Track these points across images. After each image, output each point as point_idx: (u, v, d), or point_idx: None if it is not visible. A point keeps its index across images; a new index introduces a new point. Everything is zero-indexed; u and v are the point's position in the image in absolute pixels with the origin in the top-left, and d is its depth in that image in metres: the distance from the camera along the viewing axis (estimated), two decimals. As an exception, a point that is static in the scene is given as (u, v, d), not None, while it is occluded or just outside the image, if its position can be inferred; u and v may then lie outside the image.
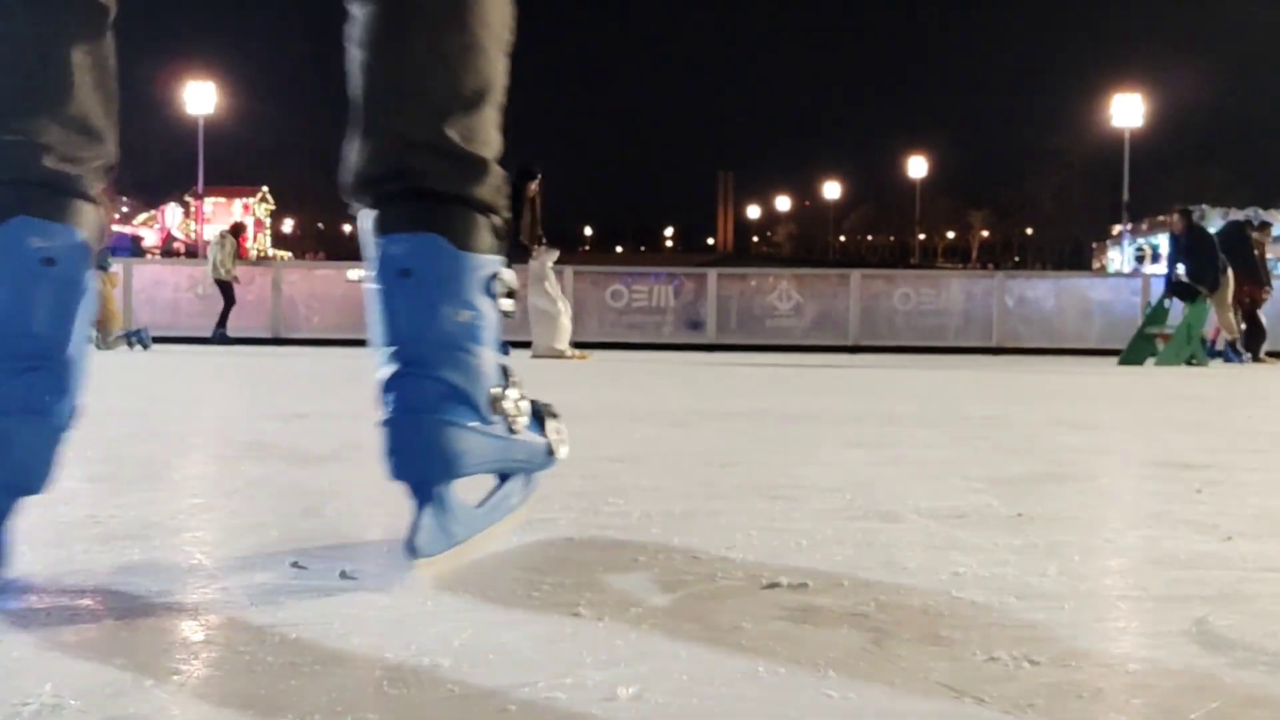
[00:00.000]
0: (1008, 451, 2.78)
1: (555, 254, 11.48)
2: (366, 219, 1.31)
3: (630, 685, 0.85)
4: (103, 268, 14.25)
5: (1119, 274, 30.34)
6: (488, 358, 1.28)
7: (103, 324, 13.83)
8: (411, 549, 1.20)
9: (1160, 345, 11.80)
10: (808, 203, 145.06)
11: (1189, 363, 11.40)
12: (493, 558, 1.35)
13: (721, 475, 2.19)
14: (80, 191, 1.23)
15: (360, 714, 0.79)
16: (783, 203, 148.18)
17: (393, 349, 1.26)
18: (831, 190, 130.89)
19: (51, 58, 1.22)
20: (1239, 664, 0.94)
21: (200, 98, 37.62)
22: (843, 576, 1.26)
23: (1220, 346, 13.25)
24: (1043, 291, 18.13)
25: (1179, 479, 2.26)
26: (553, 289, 11.13)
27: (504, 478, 1.42)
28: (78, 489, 1.99)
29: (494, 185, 1.31)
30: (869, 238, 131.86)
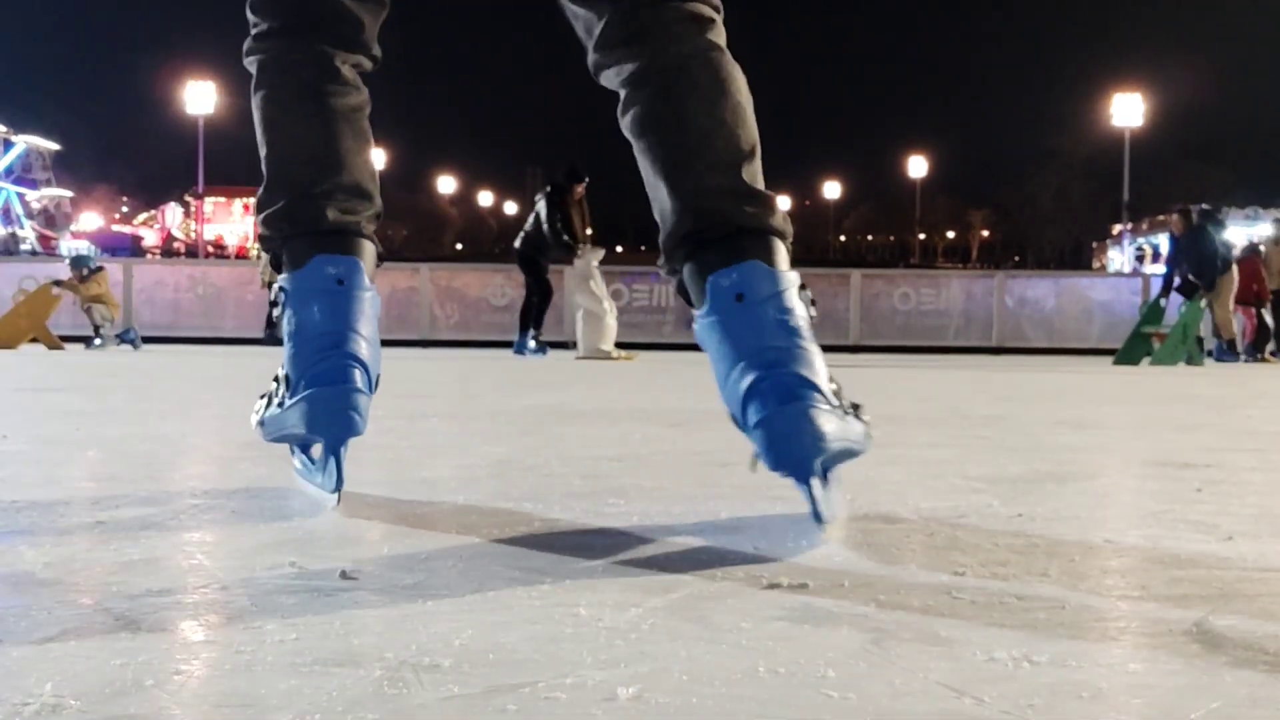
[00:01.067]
0: (1008, 451, 2.78)
1: (600, 253, 11.34)
2: (686, 276, 1.57)
3: (630, 685, 0.85)
4: (86, 265, 14.19)
5: (1119, 273, 30.33)
6: (817, 351, 1.48)
7: (95, 299, 13.82)
8: (818, 518, 1.42)
9: (1156, 345, 11.79)
10: (807, 202, 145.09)
11: (1188, 363, 11.40)
12: (492, 558, 1.35)
13: (721, 475, 2.19)
14: (357, 232, 1.70)
15: (360, 714, 0.79)
16: (783, 202, 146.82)
17: (743, 363, 1.45)
18: (831, 190, 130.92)
19: (331, 143, 1.71)
20: (1239, 664, 0.94)
21: (200, 98, 37.65)
22: (843, 576, 1.26)
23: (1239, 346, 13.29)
24: (1043, 291, 18.15)
25: (1179, 478, 2.26)
26: (598, 288, 10.96)
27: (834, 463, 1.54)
28: (78, 489, 1.99)
29: (782, 214, 1.58)
30: (869, 237, 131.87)
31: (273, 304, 1.70)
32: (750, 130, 1.61)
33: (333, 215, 1.68)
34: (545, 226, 11.41)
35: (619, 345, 11.15)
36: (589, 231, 11.49)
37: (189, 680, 0.87)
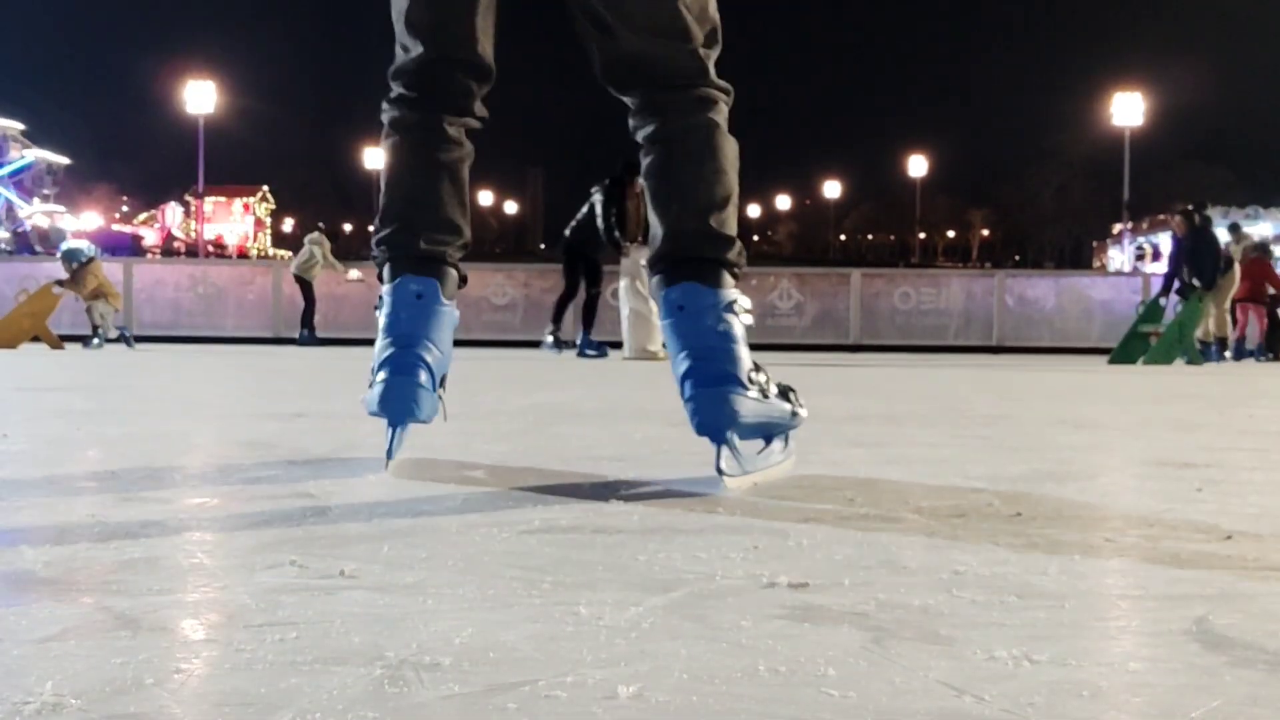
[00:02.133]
0: (1008, 450, 2.78)
1: (646, 251, 11.04)
2: (653, 287, 2.11)
3: (630, 684, 0.85)
4: (77, 260, 14.09)
5: (1119, 273, 30.31)
6: (742, 350, 1.98)
7: (95, 297, 13.76)
8: (719, 471, 1.89)
9: (1153, 344, 11.78)
10: (808, 201, 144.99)
11: (1187, 362, 11.40)
12: (493, 557, 1.35)
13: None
14: (441, 260, 2.12)
15: (360, 713, 0.79)
16: (783, 201, 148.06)
17: (683, 354, 1.98)
18: (832, 189, 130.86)
19: (431, 190, 2.14)
20: (1240, 663, 0.94)
21: (200, 97, 37.64)
22: (843, 575, 1.26)
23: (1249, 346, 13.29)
24: (1043, 290, 18.15)
25: (1179, 478, 2.26)
26: (643, 287, 10.43)
27: (769, 440, 2.10)
28: (79, 488, 1.99)
29: (738, 250, 2.06)
30: (869, 237, 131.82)
31: (376, 307, 2.15)
32: (726, 187, 2.08)
33: (423, 245, 2.12)
34: (600, 220, 10.99)
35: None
36: (640, 230, 11.00)
37: (189, 679, 0.87)
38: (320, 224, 18.02)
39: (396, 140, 2.19)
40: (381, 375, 2.05)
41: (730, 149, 2.10)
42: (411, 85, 2.16)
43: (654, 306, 10.40)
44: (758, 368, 2.01)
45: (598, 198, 11.17)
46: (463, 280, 2.18)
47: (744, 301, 2.03)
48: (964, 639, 1.00)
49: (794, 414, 2.11)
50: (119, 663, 0.90)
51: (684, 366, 1.98)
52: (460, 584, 1.20)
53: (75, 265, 14.06)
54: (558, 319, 11.91)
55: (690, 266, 2.02)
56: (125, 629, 1.01)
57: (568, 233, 11.69)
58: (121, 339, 13.87)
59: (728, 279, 2.02)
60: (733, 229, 2.07)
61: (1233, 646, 0.99)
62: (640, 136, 2.14)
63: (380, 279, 2.16)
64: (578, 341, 11.81)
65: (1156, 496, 2.05)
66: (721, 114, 2.11)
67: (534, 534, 1.51)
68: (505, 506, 1.75)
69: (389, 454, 2.09)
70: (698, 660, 0.92)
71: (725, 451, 1.91)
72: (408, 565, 1.30)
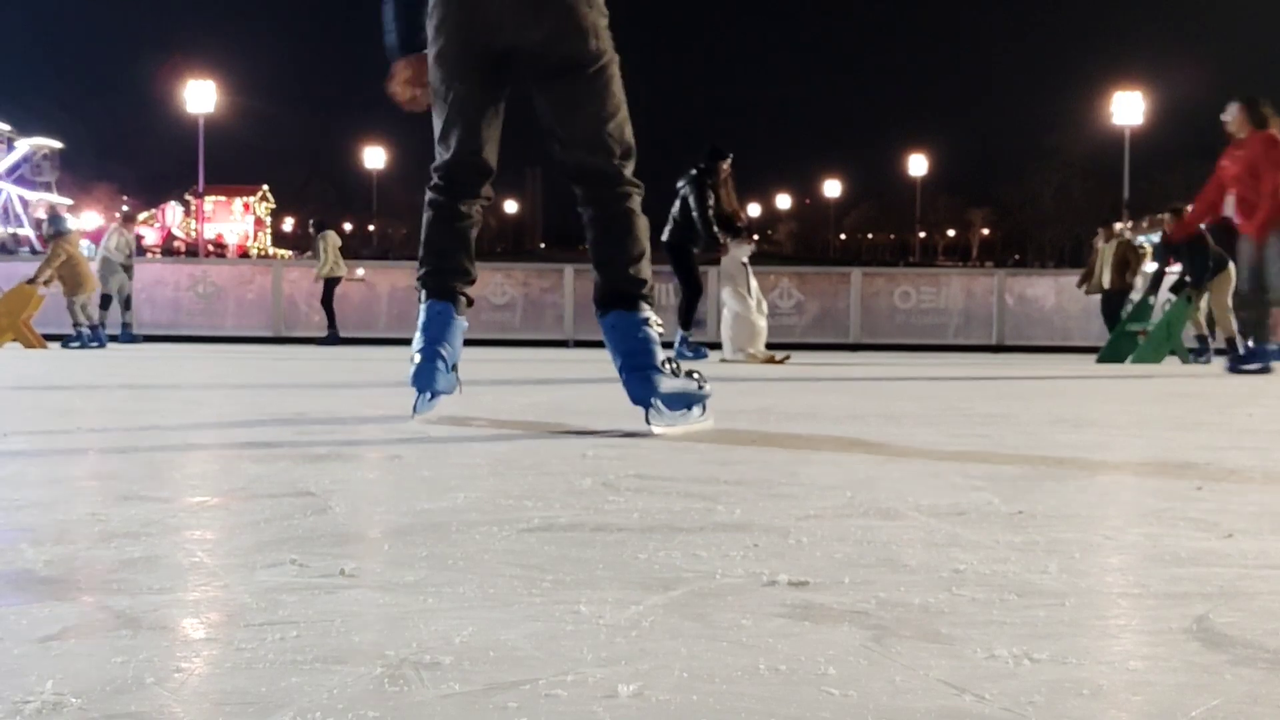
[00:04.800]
0: (1008, 449, 2.78)
1: (748, 248, 10.14)
2: (597, 316, 3.13)
3: (631, 683, 0.85)
4: (61, 232, 13.87)
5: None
6: (656, 349, 3.01)
7: (74, 288, 13.45)
8: (647, 424, 2.92)
9: (1141, 342, 11.76)
10: (808, 201, 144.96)
11: (1183, 362, 11.39)
12: (493, 555, 1.35)
13: (722, 473, 2.19)
14: (455, 292, 3.22)
15: (360, 711, 0.79)
16: (783, 201, 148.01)
17: (618, 355, 3.04)
18: (832, 188, 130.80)
19: (453, 247, 3.24)
20: (1240, 661, 0.94)
21: (200, 97, 37.63)
22: (843, 574, 1.26)
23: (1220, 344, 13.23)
24: (1043, 289, 18.14)
25: (1179, 476, 2.26)
26: (745, 286, 9.84)
27: (690, 406, 3.03)
28: (79, 487, 1.99)
29: (649, 287, 3.11)
30: (869, 236, 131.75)
31: (416, 316, 3.26)
32: (640, 250, 3.11)
33: (445, 281, 3.23)
34: (695, 214, 10.18)
35: (770, 346, 10.04)
36: (738, 220, 10.31)
37: (190, 678, 0.87)
38: (313, 220, 17.92)
39: (431, 214, 3.27)
40: (416, 359, 3.17)
41: (642, 225, 3.15)
42: (442, 178, 3.25)
43: (754, 305, 9.84)
44: (670, 360, 3.04)
45: (687, 190, 10.33)
46: (470, 302, 3.29)
47: (655, 318, 3.09)
48: (964, 637, 1.00)
49: (700, 388, 3.05)
50: (119, 662, 0.90)
51: (619, 362, 3.04)
52: (460, 583, 1.20)
53: (52, 231, 13.76)
54: (686, 323, 10.75)
55: (618, 299, 3.07)
56: (126, 628, 1.01)
57: (665, 235, 10.66)
58: (95, 341, 13.42)
59: (644, 305, 3.07)
60: (646, 275, 3.11)
61: (1233, 645, 0.99)
62: (584, 216, 3.17)
63: (419, 300, 3.27)
64: (674, 342, 10.61)
65: (1157, 495, 2.05)
66: (635, 202, 3.13)
67: (534, 532, 1.51)
68: (505, 505, 1.75)
69: (415, 410, 3.20)
70: (698, 659, 0.92)
71: (652, 413, 2.95)
72: (408, 564, 1.30)
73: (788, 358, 10.00)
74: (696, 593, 1.17)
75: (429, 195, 3.26)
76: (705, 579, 1.23)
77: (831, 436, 3.10)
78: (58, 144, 77.08)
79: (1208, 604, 1.14)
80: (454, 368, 3.21)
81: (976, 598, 1.15)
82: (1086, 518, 1.75)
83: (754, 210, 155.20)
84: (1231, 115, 8.58)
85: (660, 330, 3.06)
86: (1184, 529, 1.61)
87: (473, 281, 3.27)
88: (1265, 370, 8.19)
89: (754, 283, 9.99)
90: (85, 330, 13.50)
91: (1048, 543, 1.47)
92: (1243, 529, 1.60)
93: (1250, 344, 8.36)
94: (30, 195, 70.30)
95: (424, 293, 3.22)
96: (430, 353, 3.13)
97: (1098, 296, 14.09)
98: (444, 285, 3.19)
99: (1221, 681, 0.88)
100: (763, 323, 9.96)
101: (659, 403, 2.93)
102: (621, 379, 3.00)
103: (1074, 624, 1.07)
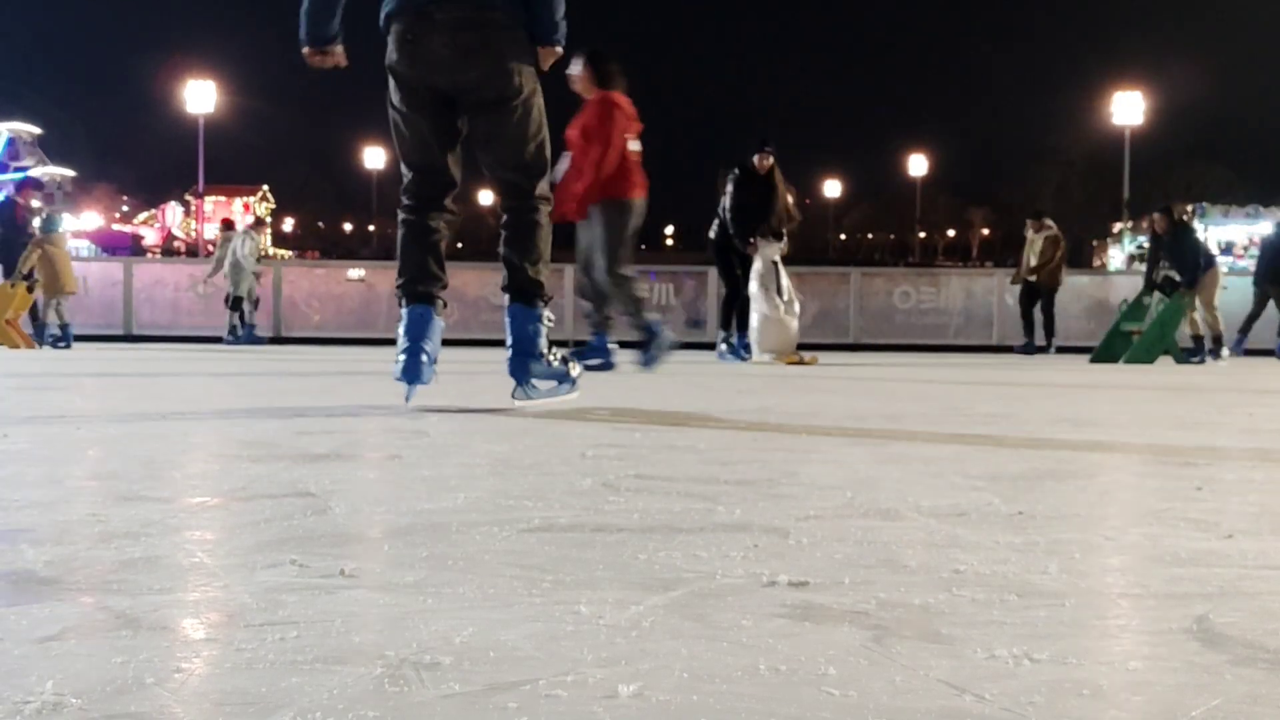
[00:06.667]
0: (1008, 449, 2.78)
1: (777, 247, 9.87)
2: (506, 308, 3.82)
3: (631, 683, 0.85)
4: (47, 230, 13.75)
5: (1120, 272, 30.30)
6: (542, 341, 3.78)
7: (52, 288, 13.29)
8: (514, 399, 3.77)
9: (1135, 341, 11.75)
10: (807, 200, 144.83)
11: (1176, 361, 11.39)
12: (493, 556, 1.35)
13: (722, 474, 2.19)
14: (432, 295, 3.80)
15: (360, 712, 0.79)
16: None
17: (511, 341, 3.77)
18: (832, 188, 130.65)
19: (426, 258, 3.81)
20: (1240, 661, 0.94)
21: (200, 97, 37.60)
22: (843, 574, 1.26)
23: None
24: (1043, 290, 18.08)
25: (1179, 476, 2.26)
26: (774, 287, 9.62)
27: (559, 383, 3.85)
28: (79, 487, 1.99)
29: (545, 288, 3.80)
30: (869, 236, 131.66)
31: (399, 320, 3.80)
32: (541, 255, 3.80)
33: (421, 288, 3.77)
34: (720, 211, 10.02)
35: (801, 347, 9.88)
36: (789, 213, 10.08)
37: (190, 678, 0.87)
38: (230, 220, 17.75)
39: (404, 231, 3.83)
40: (402, 357, 3.70)
41: (544, 234, 3.82)
42: (410, 198, 3.83)
43: (783, 306, 9.61)
44: (551, 349, 3.82)
45: (730, 188, 10.11)
46: (444, 304, 3.84)
47: (549, 313, 3.81)
48: (964, 638, 1.00)
49: (568, 373, 3.89)
50: (119, 662, 0.90)
51: (511, 349, 3.78)
52: (460, 583, 1.20)
53: (43, 221, 13.66)
54: (726, 324, 10.54)
55: (518, 294, 3.78)
56: (126, 628, 1.01)
57: (712, 234, 10.54)
58: (63, 341, 13.22)
59: (539, 302, 3.78)
60: (543, 276, 3.80)
61: (1233, 645, 0.99)
62: (501, 220, 3.86)
63: (400, 304, 3.80)
64: (733, 342, 10.49)
65: (1157, 495, 2.05)
66: (543, 215, 3.82)
67: (534, 533, 1.51)
68: (505, 505, 1.75)
69: (407, 399, 3.70)
70: (698, 659, 0.92)
71: (519, 391, 3.77)
72: (408, 564, 1.30)
73: (815, 359, 9.87)
74: (696, 593, 1.17)
75: (400, 215, 3.84)
76: (705, 579, 1.23)
77: (831, 437, 3.10)
78: (35, 129, 76.83)
79: (1208, 604, 1.14)
80: (434, 361, 3.76)
81: (976, 598, 1.15)
82: (1086, 518, 1.75)
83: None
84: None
85: (550, 324, 3.82)
86: (1184, 529, 1.61)
87: (445, 286, 3.83)
88: None
89: (785, 282, 9.82)
90: (55, 330, 13.28)
91: (1048, 543, 1.47)
92: (1243, 529, 1.60)
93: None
94: (36, 169, 69.87)
95: (404, 299, 3.77)
96: (415, 350, 3.67)
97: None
98: (421, 292, 3.75)
99: (1221, 681, 0.88)
100: (794, 324, 9.81)
101: (533, 382, 3.79)
102: (507, 358, 3.78)
103: (1074, 624, 1.07)
